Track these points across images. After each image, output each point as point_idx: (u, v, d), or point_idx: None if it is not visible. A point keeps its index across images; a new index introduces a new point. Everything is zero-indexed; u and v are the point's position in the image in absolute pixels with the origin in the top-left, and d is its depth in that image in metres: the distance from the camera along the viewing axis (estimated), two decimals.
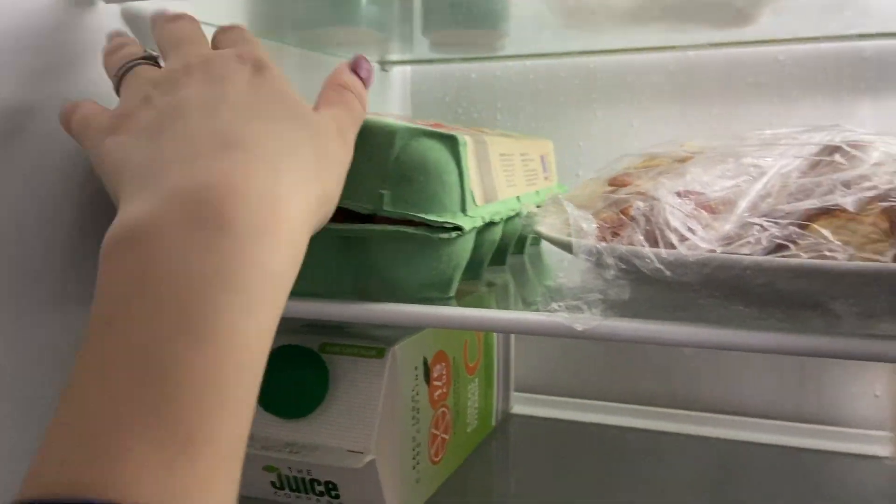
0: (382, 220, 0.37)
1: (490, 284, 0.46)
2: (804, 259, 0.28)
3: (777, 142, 0.42)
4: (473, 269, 0.44)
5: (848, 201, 0.30)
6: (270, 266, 0.25)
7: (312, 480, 0.48)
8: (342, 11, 0.54)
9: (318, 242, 0.38)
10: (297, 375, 0.48)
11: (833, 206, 0.30)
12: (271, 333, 0.26)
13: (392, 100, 0.76)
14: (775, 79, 0.65)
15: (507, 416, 0.71)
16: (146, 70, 0.33)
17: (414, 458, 0.50)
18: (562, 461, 0.62)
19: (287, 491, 0.49)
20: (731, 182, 0.35)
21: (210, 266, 0.24)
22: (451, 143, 0.38)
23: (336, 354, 0.48)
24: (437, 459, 0.54)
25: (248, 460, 0.46)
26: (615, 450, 0.64)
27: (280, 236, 0.26)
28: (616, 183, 0.42)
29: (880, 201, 0.29)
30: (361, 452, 0.45)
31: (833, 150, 0.34)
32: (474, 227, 0.38)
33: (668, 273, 0.31)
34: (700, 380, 0.70)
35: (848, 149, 0.33)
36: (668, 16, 0.49)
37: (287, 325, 0.30)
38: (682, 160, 0.48)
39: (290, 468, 0.48)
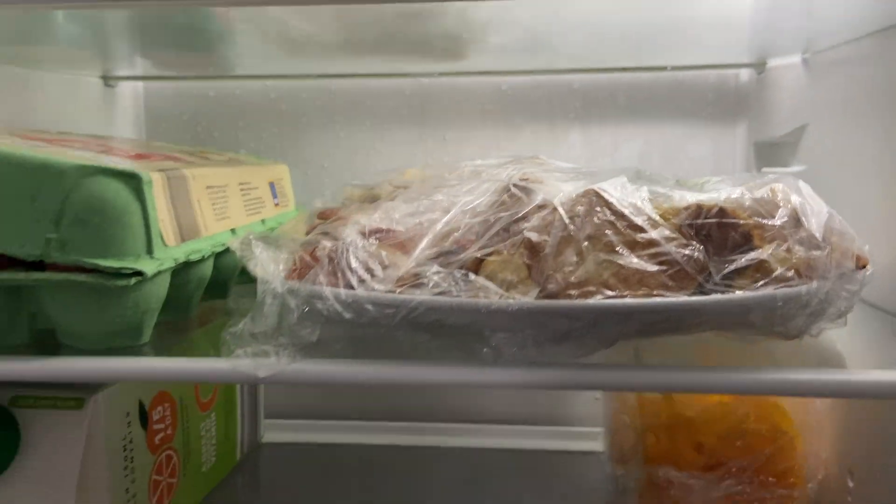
0: (53, 267, 0.34)
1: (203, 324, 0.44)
2: (455, 299, 0.30)
3: (480, 174, 0.44)
4: (178, 308, 0.42)
5: (506, 244, 0.32)
6: None
7: None
8: (40, 30, 0.49)
9: None
10: None
11: (492, 250, 0.32)
12: None
13: (122, 119, 0.71)
14: (500, 107, 0.70)
15: (257, 447, 0.69)
16: None
17: None
18: (314, 485, 0.61)
19: None
20: (418, 219, 0.37)
21: None
22: (132, 181, 0.35)
23: (29, 408, 0.43)
24: None
25: None
26: (370, 468, 0.64)
27: None
28: (324, 216, 0.42)
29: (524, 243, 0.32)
30: None
31: (505, 190, 0.36)
32: (163, 270, 0.36)
33: (346, 315, 0.32)
34: (447, 393, 0.73)
35: (515, 190, 0.36)
36: (381, 49, 0.50)
37: None
38: (401, 186, 0.50)
39: None
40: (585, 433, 0.69)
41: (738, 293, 0.31)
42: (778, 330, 0.34)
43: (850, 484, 0.49)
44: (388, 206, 0.39)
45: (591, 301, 0.30)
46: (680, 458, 0.51)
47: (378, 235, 0.35)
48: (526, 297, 0.30)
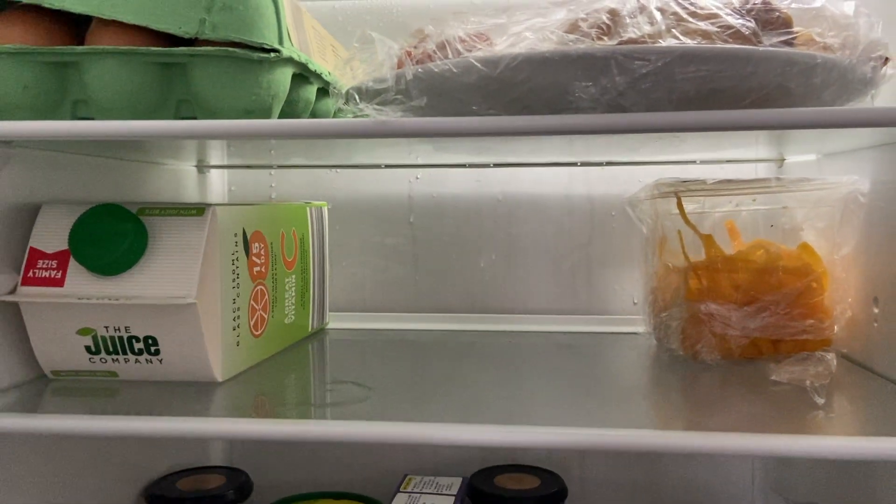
0: (203, 46, 0.41)
1: None
2: (548, 48, 0.37)
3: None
4: None
5: (581, 14, 0.39)
6: None
7: (131, 338, 0.49)
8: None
9: (139, 70, 0.41)
10: (116, 231, 0.48)
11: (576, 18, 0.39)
12: None
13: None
14: None
15: (323, 329, 0.75)
16: None
17: (234, 321, 0.52)
18: (376, 355, 0.66)
19: (103, 355, 0.49)
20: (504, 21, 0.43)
21: None
22: None
23: (155, 216, 0.50)
24: (257, 333, 0.56)
25: (62, 325, 0.46)
26: (424, 346, 0.70)
27: None
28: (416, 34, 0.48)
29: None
30: (183, 297, 0.47)
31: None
32: (292, 58, 0.43)
33: (454, 70, 0.38)
34: (494, 289, 0.79)
35: None
36: None
37: None
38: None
39: (106, 327, 0.48)
40: (626, 320, 0.75)
41: (785, 48, 0.37)
42: (810, 103, 0.40)
43: (875, 310, 0.54)
44: (476, 19, 0.45)
45: (664, 44, 0.36)
46: (720, 296, 0.57)
47: (473, 34, 0.41)
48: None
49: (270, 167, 0.80)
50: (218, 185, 0.81)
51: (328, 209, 0.77)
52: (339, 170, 0.81)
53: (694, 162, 0.74)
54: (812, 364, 0.50)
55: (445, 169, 0.79)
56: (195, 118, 0.43)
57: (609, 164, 0.77)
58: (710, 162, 0.74)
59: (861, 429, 0.45)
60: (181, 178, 0.74)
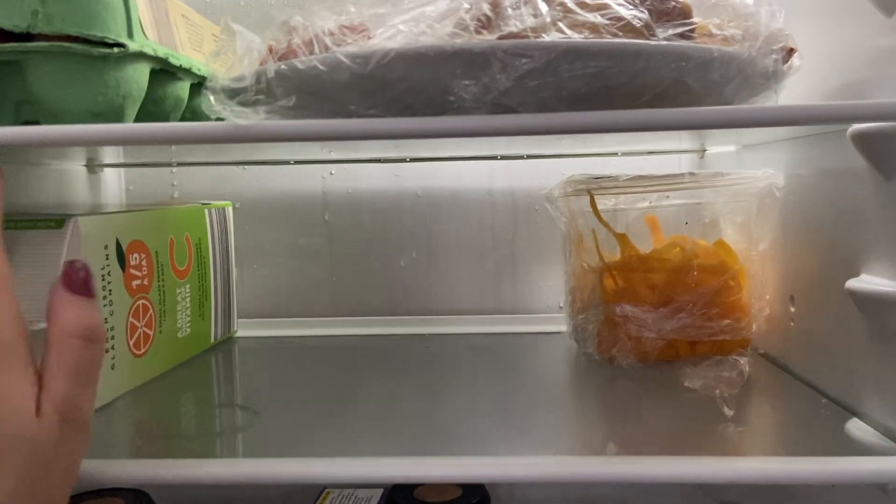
0: (40, 41, 0.36)
1: None
2: (423, 43, 0.33)
3: None
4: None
5: (465, 5, 0.35)
6: None
7: None
8: None
9: None
10: None
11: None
12: None
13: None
14: None
15: (230, 338, 0.70)
16: None
17: (108, 341, 0.48)
18: (284, 366, 0.62)
19: None
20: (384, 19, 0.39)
21: None
22: None
23: (10, 230, 0.44)
24: (139, 353, 0.52)
25: None
26: (342, 353, 0.66)
27: None
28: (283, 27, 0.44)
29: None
30: (38, 320, 0.42)
31: None
32: (144, 53, 0.38)
33: (321, 67, 0.34)
34: (415, 289, 0.76)
35: None
36: None
37: None
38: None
39: None
40: (551, 318, 0.72)
41: (679, 42, 0.34)
42: (711, 99, 0.37)
43: (792, 309, 0.52)
44: (355, 10, 0.41)
45: (548, 39, 0.33)
46: (635, 296, 0.54)
47: (346, 27, 0.37)
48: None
49: (171, 165, 0.75)
50: (114, 186, 0.75)
51: (235, 208, 0.72)
52: (246, 166, 0.76)
53: (616, 154, 0.71)
54: (725, 369, 0.48)
55: (361, 164, 0.75)
56: (38, 121, 0.38)
57: (530, 157, 0.73)
58: (632, 154, 0.72)
59: (773, 446, 0.43)
60: (68, 180, 0.68)
